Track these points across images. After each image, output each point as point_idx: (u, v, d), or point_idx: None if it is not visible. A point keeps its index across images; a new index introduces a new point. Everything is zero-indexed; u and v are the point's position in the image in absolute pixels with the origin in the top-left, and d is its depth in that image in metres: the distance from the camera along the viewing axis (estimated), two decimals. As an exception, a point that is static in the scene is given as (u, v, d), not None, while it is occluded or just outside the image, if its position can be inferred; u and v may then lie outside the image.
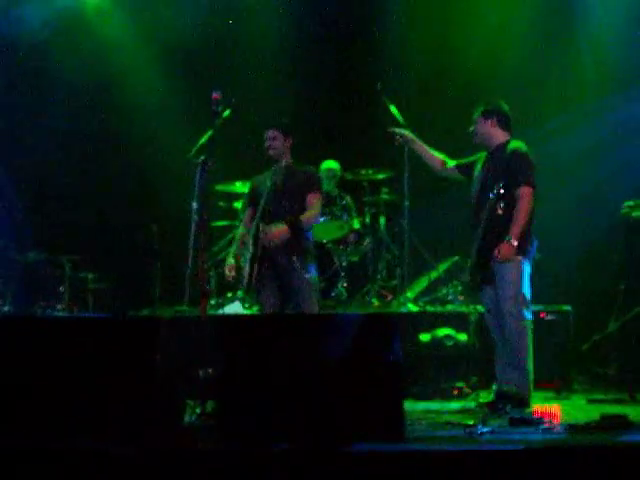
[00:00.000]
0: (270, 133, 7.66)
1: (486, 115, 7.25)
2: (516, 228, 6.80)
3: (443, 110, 10.18)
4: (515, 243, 6.78)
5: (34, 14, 10.25)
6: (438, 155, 7.65)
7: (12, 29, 10.23)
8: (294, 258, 7.41)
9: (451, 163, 7.58)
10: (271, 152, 7.65)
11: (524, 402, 6.77)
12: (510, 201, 6.89)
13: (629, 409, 6.68)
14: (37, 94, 10.54)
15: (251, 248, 7.44)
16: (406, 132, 7.74)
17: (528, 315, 6.94)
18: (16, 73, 10.49)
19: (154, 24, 10.53)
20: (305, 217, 7.53)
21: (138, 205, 10.57)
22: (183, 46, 10.57)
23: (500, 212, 6.86)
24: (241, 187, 9.13)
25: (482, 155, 7.40)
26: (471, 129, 7.34)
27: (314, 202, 7.60)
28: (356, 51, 10.74)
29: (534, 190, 6.92)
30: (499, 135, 7.22)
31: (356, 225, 9.83)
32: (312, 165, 8.29)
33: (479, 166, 7.34)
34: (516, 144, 7.11)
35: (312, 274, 7.54)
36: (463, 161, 7.55)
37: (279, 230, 7.39)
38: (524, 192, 6.87)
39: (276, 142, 7.63)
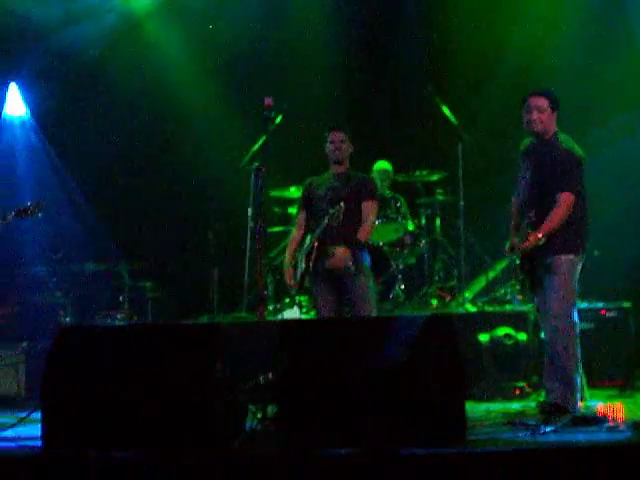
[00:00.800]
0: (339, 135, 7.60)
1: (554, 106, 6.73)
2: (547, 225, 6.49)
3: (493, 109, 10.15)
4: (540, 235, 6.46)
5: (90, 29, 10.42)
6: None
7: (73, 45, 10.41)
8: (349, 263, 7.40)
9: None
10: (338, 154, 7.58)
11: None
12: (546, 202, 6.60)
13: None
14: (98, 107, 10.69)
15: (304, 258, 7.46)
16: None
17: (575, 317, 6.60)
18: (78, 86, 10.64)
19: (206, 34, 10.61)
20: (363, 233, 7.50)
21: (194, 213, 10.65)
22: (236, 54, 10.64)
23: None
24: (296, 192, 9.17)
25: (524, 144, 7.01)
26: (534, 117, 6.68)
27: (370, 210, 7.56)
28: (406, 53, 10.71)
29: (576, 197, 6.55)
30: (553, 128, 6.77)
31: (410, 227, 9.81)
32: (364, 167, 8.29)
33: (521, 164, 6.96)
34: (569, 142, 6.71)
35: (367, 274, 7.54)
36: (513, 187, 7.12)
37: (340, 255, 7.37)
38: (564, 198, 6.50)
39: (344, 145, 7.60)
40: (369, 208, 7.55)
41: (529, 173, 6.77)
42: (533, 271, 6.67)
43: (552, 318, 6.54)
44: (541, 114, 6.66)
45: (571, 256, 6.57)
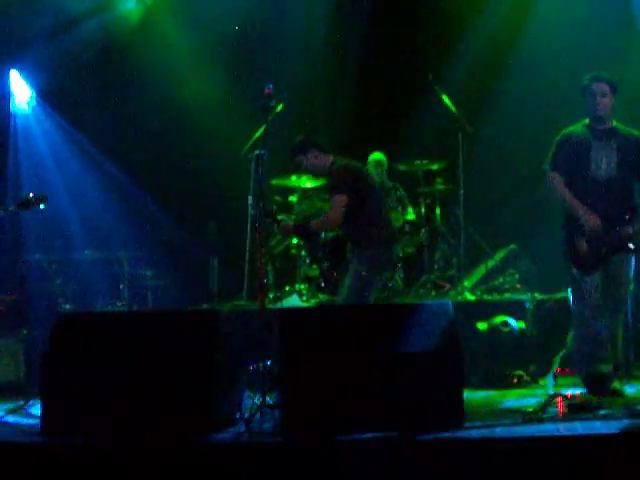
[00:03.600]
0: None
1: (615, 89, 7.06)
2: None
3: (494, 99, 10.16)
4: None
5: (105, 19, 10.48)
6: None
7: (97, 33, 10.45)
8: None
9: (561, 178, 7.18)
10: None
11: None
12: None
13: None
14: (99, 94, 10.71)
15: None
16: None
17: None
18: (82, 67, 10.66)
19: (209, 23, 10.59)
20: (316, 222, 7.82)
21: (195, 201, 10.66)
22: (236, 43, 10.63)
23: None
24: (296, 181, 9.17)
25: (575, 132, 7.15)
26: (600, 102, 6.99)
27: (332, 204, 7.67)
28: (406, 42, 10.70)
29: None
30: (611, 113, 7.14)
31: (410, 216, 9.83)
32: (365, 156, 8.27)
33: (590, 142, 7.06)
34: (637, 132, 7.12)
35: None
36: (561, 167, 7.16)
37: (285, 227, 7.87)
38: None
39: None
40: (332, 201, 7.70)
41: (614, 155, 7.01)
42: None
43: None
44: (606, 98, 7.01)
45: None
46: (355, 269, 7.57)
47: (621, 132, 7.08)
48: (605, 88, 6.97)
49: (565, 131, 7.22)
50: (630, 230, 6.88)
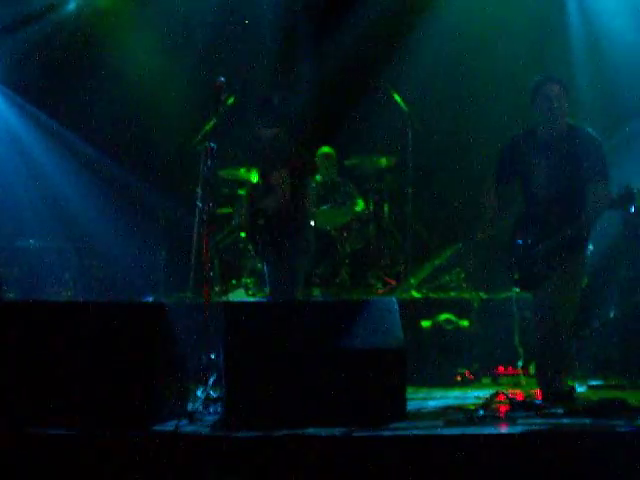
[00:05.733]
0: None
1: (566, 90, 6.65)
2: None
3: (445, 99, 10.23)
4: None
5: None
6: (494, 200, 6.86)
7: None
8: None
9: (497, 189, 6.89)
10: None
11: None
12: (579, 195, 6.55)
13: (629, 395, 6.70)
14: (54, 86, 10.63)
15: None
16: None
17: None
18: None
19: (162, 11, 10.53)
20: None
21: (143, 193, 10.60)
22: (188, 34, 10.59)
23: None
24: (245, 174, 9.16)
25: (519, 140, 6.82)
26: (555, 105, 6.55)
27: None
28: (358, 37, 10.70)
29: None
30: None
31: (360, 207, 9.81)
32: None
33: (532, 152, 6.69)
34: (592, 131, 6.62)
35: None
36: (501, 175, 6.90)
37: None
38: (605, 190, 6.43)
39: None
40: None
41: (553, 162, 6.62)
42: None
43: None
44: (561, 100, 6.58)
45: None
46: None
47: (572, 135, 6.62)
48: (558, 89, 6.58)
49: (510, 138, 6.94)
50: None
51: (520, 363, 7.93)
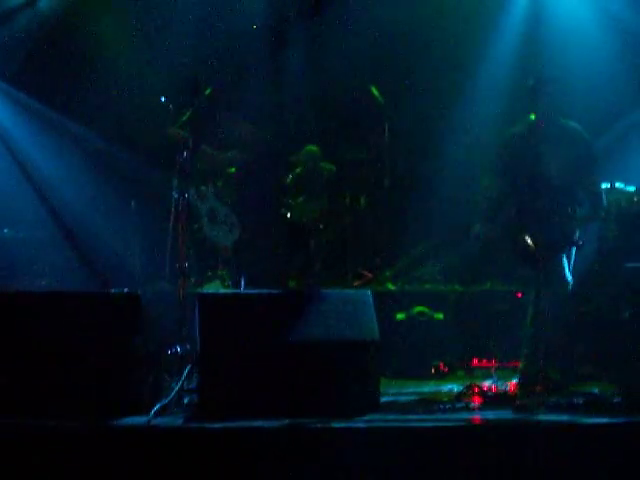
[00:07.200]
0: None
1: (562, 87, 6.87)
2: None
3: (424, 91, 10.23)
4: None
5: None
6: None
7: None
8: None
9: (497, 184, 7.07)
10: None
11: None
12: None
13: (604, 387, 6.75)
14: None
15: None
16: None
17: None
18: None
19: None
20: None
21: (119, 182, 10.53)
22: (167, 24, 10.53)
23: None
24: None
25: (519, 133, 6.93)
26: (552, 104, 6.77)
27: None
28: (336, 30, 10.66)
29: None
30: None
31: (335, 203, 9.83)
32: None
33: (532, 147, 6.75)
34: (577, 125, 6.84)
35: None
36: (500, 170, 7.05)
37: None
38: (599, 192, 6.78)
39: None
40: None
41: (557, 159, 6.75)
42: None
43: None
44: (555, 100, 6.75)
45: None
46: None
47: (566, 132, 6.84)
48: (554, 87, 6.75)
49: (509, 132, 7.09)
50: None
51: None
